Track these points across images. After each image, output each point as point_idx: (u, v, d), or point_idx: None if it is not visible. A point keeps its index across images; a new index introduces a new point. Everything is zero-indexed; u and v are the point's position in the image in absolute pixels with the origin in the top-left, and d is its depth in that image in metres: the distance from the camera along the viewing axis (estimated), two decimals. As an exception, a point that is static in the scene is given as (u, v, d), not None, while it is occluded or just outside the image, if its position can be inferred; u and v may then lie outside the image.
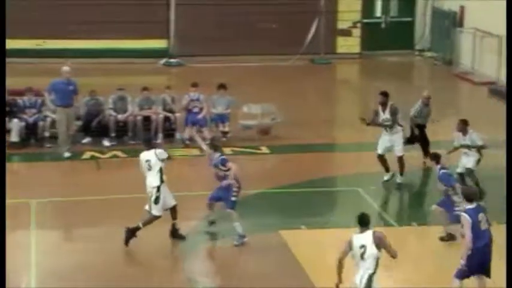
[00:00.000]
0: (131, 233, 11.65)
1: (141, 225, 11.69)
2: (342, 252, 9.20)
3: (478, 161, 13.29)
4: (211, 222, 12.19)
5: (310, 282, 10.77)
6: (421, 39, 24.70)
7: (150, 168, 11.68)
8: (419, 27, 24.77)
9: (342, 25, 24.53)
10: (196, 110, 16.70)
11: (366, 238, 9.08)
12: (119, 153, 16.03)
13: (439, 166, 11.94)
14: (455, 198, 11.68)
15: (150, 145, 11.98)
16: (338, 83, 23.56)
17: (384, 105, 14.18)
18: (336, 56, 24.33)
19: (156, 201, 11.66)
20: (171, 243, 11.89)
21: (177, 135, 16.79)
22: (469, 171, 13.22)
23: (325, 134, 17.65)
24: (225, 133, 16.57)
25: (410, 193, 14.20)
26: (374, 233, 9.13)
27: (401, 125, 14.28)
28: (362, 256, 9.06)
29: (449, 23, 23.20)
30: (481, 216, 9.69)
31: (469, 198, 9.80)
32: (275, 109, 17.25)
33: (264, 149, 16.30)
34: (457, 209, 11.55)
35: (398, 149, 14.19)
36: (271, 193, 13.98)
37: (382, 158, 14.24)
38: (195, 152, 16.13)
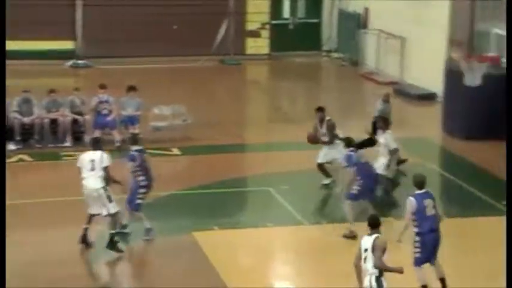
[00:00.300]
0: (111, 242, 11.45)
1: (112, 231, 11.50)
2: (355, 257, 9.12)
3: (388, 166, 13.58)
4: (123, 226, 12.11)
5: (222, 282, 10.83)
6: (328, 40, 25.17)
7: (93, 169, 11.51)
8: (326, 29, 25.23)
9: (250, 26, 24.73)
10: (105, 112, 16.52)
11: (369, 242, 9.02)
12: (25, 157, 15.68)
13: (350, 149, 12.36)
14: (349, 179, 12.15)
15: (97, 146, 11.80)
16: (248, 83, 23.75)
17: (321, 121, 14.26)
18: (246, 57, 24.51)
19: (110, 199, 11.50)
20: (81, 247, 11.71)
21: (86, 138, 16.54)
22: (381, 177, 13.52)
23: (236, 134, 17.77)
24: (135, 135, 16.41)
25: (321, 192, 14.42)
26: (376, 239, 9.02)
27: (340, 139, 14.16)
28: (365, 259, 9.01)
29: (354, 25, 23.73)
30: (427, 202, 10.02)
31: (418, 185, 10.13)
32: (186, 110, 17.25)
33: (175, 151, 16.27)
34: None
35: (341, 161, 14.19)
36: (183, 194, 13.98)
37: (321, 167, 14.29)
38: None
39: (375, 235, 9.06)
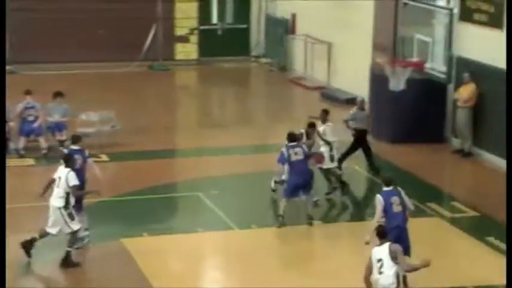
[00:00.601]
0: (67, 262, 11.30)
1: (68, 248, 11.34)
2: (366, 268, 9.01)
3: (331, 157, 13.83)
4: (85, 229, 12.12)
5: (152, 288, 10.82)
6: (257, 45, 25.36)
7: (58, 186, 11.34)
8: (254, 34, 25.42)
9: (179, 32, 24.70)
10: (31, 118, 16.26)
11: (382, 251, 8.92)
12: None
13: (287, 144, 12.77)
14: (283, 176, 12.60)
15: (67, 163, 11.53)
16: (177, 89, 23.70)
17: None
18: (175, 63, 24.48)
19: (72, 217, 11.33)
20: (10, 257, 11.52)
21: (11, 145, 16.23)
22: (326, 171, 13.83)
23: (165, 140, 17.73)
24: (62, 142, 16.21)
25: (251, 196, 14.49)
26: (390, 245, 8.95)
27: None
28: (380, 270, 8.89)
29: (282, 30, 23.98)
30: (394, 199, 10.32)
31: (386, 183, 10.47)
32: (114, 116, 17.12)
33: (104, 157, 16.11)
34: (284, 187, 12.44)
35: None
36: (112, 201, 13.85)
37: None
38: (31, 161, 15.71)
39: (387, 243, 9.02)
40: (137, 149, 16.67)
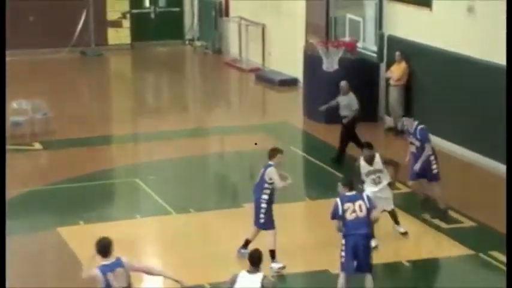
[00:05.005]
0: None
1: None
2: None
3: None
4: None
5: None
6: (190, 29, 25.22)
7: None
8: (188, 17, 25.27)
9: (111, 16, 24.38)
10: (-40, 108, 15.86)
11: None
12: None
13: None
14: None
15: None
16: (110, 74, 23.43)
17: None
18: (107, 48, 24.17)
19: None
20: None
21: None
22: None
23: (100, 126, 17.52)
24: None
25: (188, 180, 14.43)
26: None
27: None
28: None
29: (215, 13, 23.91)
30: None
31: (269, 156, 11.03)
32: (46, 104, 16.83)
33: (37, 145, 15.85)
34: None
35: None
36: (46, 190, 13.66)
37: None
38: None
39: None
40: (71, 136, 16.44)
